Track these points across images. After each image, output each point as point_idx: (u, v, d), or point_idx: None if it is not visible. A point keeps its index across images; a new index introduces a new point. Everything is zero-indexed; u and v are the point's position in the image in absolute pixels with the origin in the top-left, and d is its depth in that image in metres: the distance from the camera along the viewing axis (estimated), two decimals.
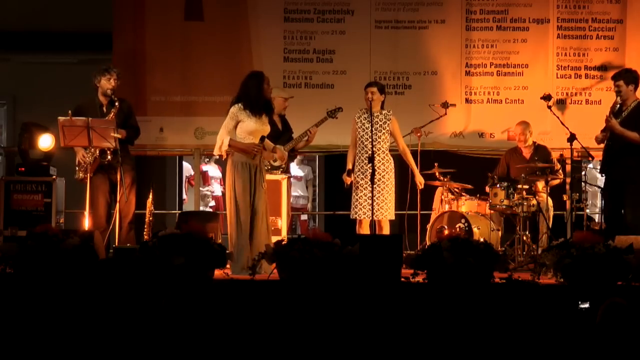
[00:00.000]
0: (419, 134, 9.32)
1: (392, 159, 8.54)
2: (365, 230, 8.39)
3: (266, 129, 7.67)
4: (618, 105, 8.19)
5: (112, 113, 8.29)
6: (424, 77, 10.17)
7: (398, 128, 8.56)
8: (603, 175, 8.42)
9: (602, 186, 8.70)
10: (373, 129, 8.33)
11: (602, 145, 8.41)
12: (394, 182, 8.53)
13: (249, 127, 7.55)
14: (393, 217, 8.53)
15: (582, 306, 6.01)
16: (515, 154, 9.52)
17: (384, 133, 8.44)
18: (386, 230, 8.42)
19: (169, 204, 11.47)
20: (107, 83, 8.36)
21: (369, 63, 10.14)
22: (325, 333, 6.00)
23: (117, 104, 8.30)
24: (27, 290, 6.27)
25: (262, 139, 7.60)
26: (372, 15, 10.19)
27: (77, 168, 8.42)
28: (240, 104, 7.56)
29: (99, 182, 8.37)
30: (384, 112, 8.47)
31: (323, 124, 9.02)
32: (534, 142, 9.50)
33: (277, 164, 8.79)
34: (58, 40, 11.08)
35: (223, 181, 11.03)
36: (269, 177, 8.67)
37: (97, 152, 8.27)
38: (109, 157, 8.24)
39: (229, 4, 10.24)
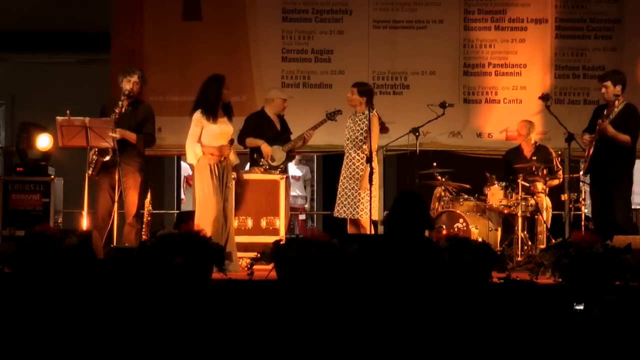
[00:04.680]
0: (416, 134, 9.31)
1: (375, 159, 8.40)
2: (350, 229, 8.41)
3: (229, 130, 7.79)
4: (615, 109, 8.14)
5: (115, 114, 8.26)
6: (422, 77, 10.16)
7: (375, 125, 8.30)
8: (587, 175, 8.41)
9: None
10: (355, 130, 8.33)
11: None
12: (375, 183, 8.38)
13: (214, 131, 7.66)
14: (376, 218, 8.40)
15: (579, 306, 6.01)
16: (516, 154, 9.49)
17: (361, 134, 8.39)
18: (366, 230, 8.38)
19: (167, 203, 11.46)
20: (126, 84, 8.31)
21: (367, 63, 10.14)
22: (323, 333, 6.00)
23: (121, 103, 8.26)
24: (25, 290, 6.27)
25: (232, 141, 7.74)
26: (370, 15, 10.19)
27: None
28: (200, 111, 7.66)
29: (102, 181, 8.36)
30: (366, 113, 8.25)
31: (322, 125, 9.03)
32: (536, 142, 9.46)
33: (275, 163, 8.79)
34: (56, 40, 11.07)
35: None
36: (267, 177, 8.67)
37: (96, 151, 8.26)
38: (108, 156, 8.23)
39: (227, 4, 10.24)
